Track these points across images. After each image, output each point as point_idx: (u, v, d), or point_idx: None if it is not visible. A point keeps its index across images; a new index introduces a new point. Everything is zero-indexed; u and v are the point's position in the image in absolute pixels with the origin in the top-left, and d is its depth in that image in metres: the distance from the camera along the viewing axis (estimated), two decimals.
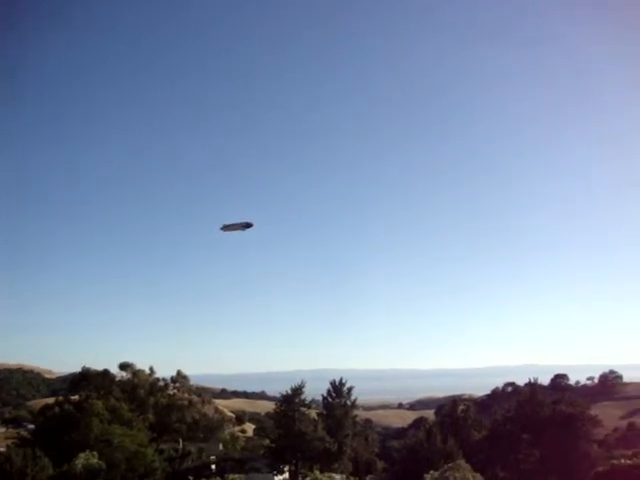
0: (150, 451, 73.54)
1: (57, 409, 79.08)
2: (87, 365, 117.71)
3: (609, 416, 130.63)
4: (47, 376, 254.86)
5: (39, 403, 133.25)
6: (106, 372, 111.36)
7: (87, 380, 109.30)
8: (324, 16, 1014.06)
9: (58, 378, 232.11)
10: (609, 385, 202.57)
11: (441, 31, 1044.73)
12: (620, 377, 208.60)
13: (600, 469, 50.49)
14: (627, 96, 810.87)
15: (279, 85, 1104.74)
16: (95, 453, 63.92)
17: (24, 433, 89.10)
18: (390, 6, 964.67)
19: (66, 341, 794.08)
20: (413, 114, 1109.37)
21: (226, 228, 26.80)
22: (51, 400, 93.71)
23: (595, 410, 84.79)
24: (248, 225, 26.65)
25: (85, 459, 62.11)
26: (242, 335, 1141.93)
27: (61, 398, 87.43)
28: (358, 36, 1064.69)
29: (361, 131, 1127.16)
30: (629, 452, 57.87)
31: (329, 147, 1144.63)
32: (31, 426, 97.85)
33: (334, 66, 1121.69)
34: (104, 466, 62.12)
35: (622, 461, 48.53)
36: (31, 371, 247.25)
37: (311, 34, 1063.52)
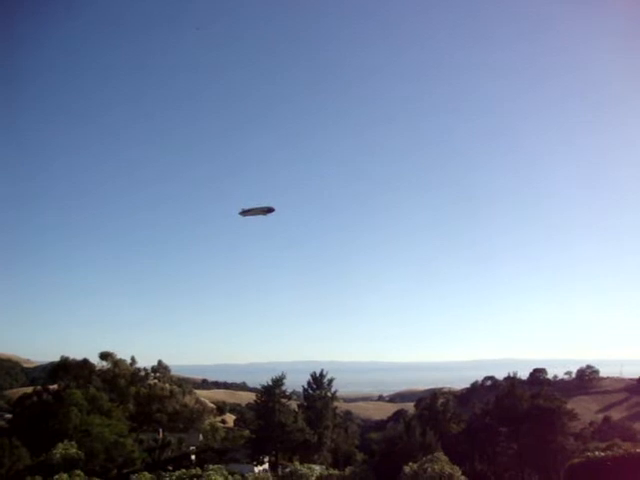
0: (129, 441, 73.25)
1: (35, 398, 78.52)
2: (66, 354, 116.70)
3: (585, 410, 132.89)
4: (26, 365, 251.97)
5: (17, 392, 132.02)
6: (86, 361, 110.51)
7: (66, 369, 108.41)
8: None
9: (37, 367, 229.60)
10: (586, 380, 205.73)
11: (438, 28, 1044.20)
12: (597, 372, 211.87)
13: (575, 461, 51.18)
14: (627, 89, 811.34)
15: (296, 75, 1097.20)
16: (74, 443, 63.53)
17: (1, 422, 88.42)
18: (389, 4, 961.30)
19: (46, 330, 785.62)
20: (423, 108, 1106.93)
21: (246, 213, 26.21)
22: (29, 389, 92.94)
23: (572, 404, 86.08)
24: (270, 210, 26.17)
25: (63, 449, 61.71)
26: (223, 326, 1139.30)
27: (39, 387, 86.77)
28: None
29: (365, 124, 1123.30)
30: (603, 445, 58.65)
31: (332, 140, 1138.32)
32: (8, 415, 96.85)
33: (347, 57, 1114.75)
34: (83, 456, 61.75)
35: (596, 453, 49.21)
36: (9, 360, 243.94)
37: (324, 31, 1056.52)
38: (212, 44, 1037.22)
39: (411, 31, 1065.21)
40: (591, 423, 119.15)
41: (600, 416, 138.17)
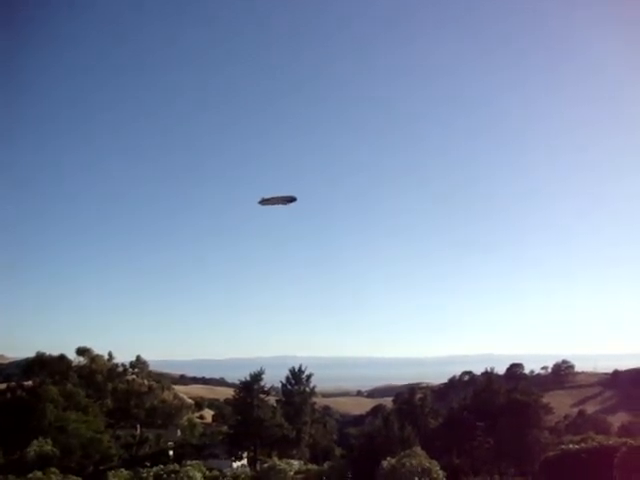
0: (106, 437, 72.73)
1: (9, 395, 77.40)
2: (42, 350, 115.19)
3: (561, 404, 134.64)
4: None
5: None
6: (62, 357, 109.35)
7: (42, 365, 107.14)
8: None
9: (11, 363, 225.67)
10: (562, 374, 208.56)
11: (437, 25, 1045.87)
12: (572, 367, 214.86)
13: (550, 454, 52.02)
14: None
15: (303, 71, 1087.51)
16: (49, 440, 62.90)
17: None
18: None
19: (20, 325, 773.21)
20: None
21: (266, 202, 25.46)
22: (3, 386, 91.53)
23: (548, 398, 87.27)
24: (291, 199, 25.42)
25: (38, 446, 61.04)
26: (202, 321, 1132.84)
27: (14, 384, 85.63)
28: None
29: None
30: (578, 438, 59.66)
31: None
32: None
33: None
34: (58, 453, 61.17)
35: (571, 446, 50.11)
36: None
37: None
38: (218, 36, 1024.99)
39: (411, 25, 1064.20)
40: (566, 417, 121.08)
41: (575, 410, 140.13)
